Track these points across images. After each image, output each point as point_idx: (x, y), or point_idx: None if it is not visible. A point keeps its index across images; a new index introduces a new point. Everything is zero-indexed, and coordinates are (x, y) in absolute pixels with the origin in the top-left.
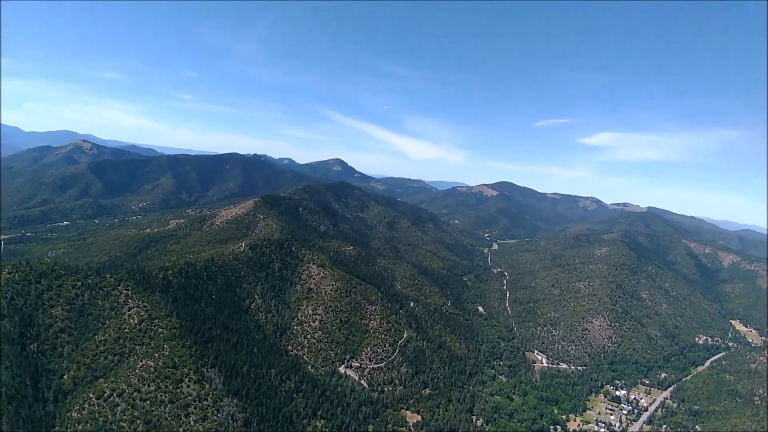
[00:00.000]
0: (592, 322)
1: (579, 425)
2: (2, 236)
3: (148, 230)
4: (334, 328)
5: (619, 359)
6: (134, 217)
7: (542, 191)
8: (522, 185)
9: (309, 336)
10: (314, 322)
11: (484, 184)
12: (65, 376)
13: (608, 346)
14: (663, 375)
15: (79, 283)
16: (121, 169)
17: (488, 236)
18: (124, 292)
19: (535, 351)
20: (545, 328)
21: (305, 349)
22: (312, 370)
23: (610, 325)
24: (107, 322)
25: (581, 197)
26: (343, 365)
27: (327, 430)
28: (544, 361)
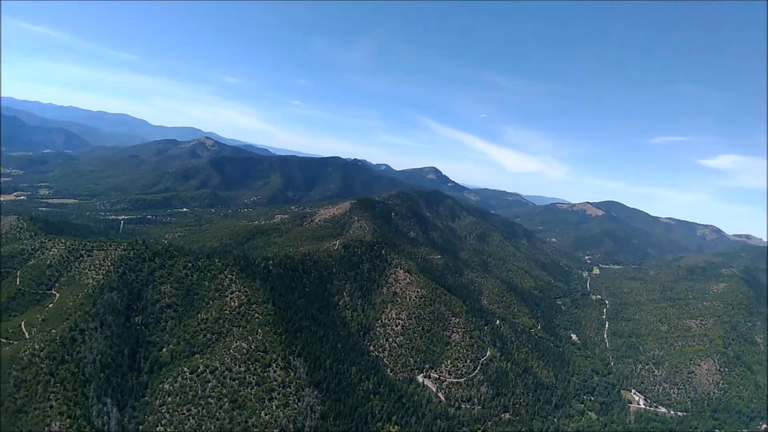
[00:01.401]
0: (699, 365)
1: None
2: (123, 216)
3: (256, 222)
4: (415, 335)
5: (723, 407)
6: (245, 210)
7: (654, 215)
8: (631, 206)
9: (391, 340)
10: (397, 326)
11: (588, 203)
12: (164, 349)
13: (714, 393)
14: (764, 426)
15: (190, 264)
16: (237, 165)
17: (589, 259)
18: (229, 276)
19: (632, 390)
20: (646, 367)
21: (386, 352)
22: (390, 374)
23: (719, 370)
24: (211, 302)
25: (699, 224)
26: (422, 374)
27: None
28: (642, 402)
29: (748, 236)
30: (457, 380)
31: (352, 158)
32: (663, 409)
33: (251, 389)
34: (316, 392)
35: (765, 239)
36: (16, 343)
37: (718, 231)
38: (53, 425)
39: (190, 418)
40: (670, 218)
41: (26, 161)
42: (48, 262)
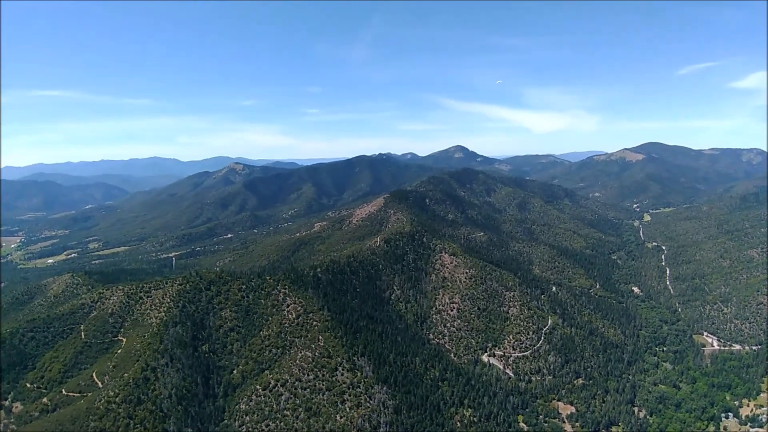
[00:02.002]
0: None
1: (752, 410)
2: (173, 253)
3: (297, 234)
4: (472, 316)
5: None
6: (285, 224)
7: (697, 148)
8: (672, 144)
9: (449, 325)
10: (452, 310)
11: (626, 149)
12: (234, 371)
13: None
14: None
15: (244, 286)
16: (269, 183)
17: (637, 207)
18: (282, 290)
19: (704, 333)
20: (715, 306)
21: (446, 337)
22: (455, 359)
23: None
24: (270, 318)
25: (744, 150)
26: (486, 354)
27: (475, 419)
28: (715, 343)
29: None
30: (522, 354)
31: (377, 153)
32: (737, 347)
33: (323, 395)
34: (385, 388)
35: None
36: (90, 394)
37: (763, 153)
38: None
39: None
40: (713, 149)
41: (69, 220)
42: (110, 311)
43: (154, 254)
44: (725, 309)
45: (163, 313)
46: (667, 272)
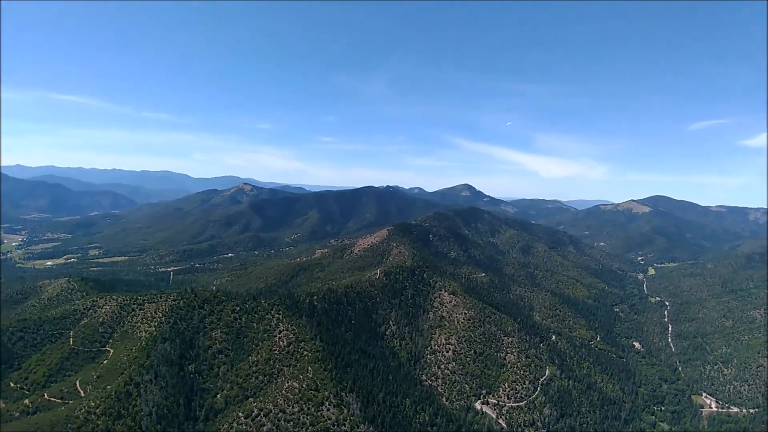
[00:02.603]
0: None
1: None
2: (172, 267)
3: (298, 259)
4: (468, 359)
5: None
6: (287, 248)
7: (704, 204)
8: (679, 199)
9: (443, 366)
10: (447, 352)
11: (633, 200)
12: (218, 395)
13: None
14: None
15: (238, 308)
16: (276, 206)
17: (642, 260)
18: (276, 315)
19: (704, 394)
20: (715, 367)
21: (439, 380)
22: (447, 403)
23: None
24: (260, 344)
25: (751, 209)
26: (479, 401)
27: None
28: (713, 405)
29: None
30: (517, 404)
31: (385, 185)
32: (735, 409)
33: (306, 430)
34: (371, 428)
35: None
36: (71, 402)
37: None
38: None
39: None
40: (720, 206)
41: (74, 225)
42: (101, 320)
43: (153, 267)
44: (725, 370)
45: (154, 328)
46: (670, 329)
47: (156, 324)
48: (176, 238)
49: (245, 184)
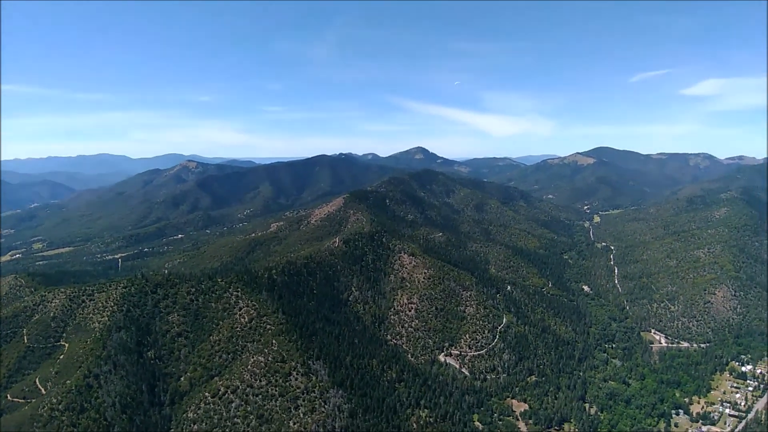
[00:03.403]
0: (714, 294)
1: (703, 407)
2: (119, 254)
3: (253, 235)
4: (430, 316)
5: (744, 332)
6: (240, 224)
7: (646, 153)
8: (622, 149)
9: (406, 325)
10: (410, 311)
11: (578, 153)
12: (182, 378)
13: (733, 319)
14: None
15: (193, 289)
16: (225, 182)
17: (588, 209)
18: (234, 293)
19: (652, 330)
20: (662, 305)
21: (404, 338)
22: (412, 359)
23: (735, 295)
24: (220, 323)
25: (691, 154)
26: (443, 353)
27: (431, 419)
28: (663, 340)
29: (741, 157)
30: (478, 352)
31: (338, 153)
32: (685, 344)
33: (276, 401)
34: (341, 392)
35: (758, 158)
36: (33, 400)
37: (710, 157)
38: None
39: None
40: (661, 153)
41: (15, 219)
42: (52, 315)
43: (99, 255)
44: (672, 307)
45: (107, 318)
46: (616, 271)
47: (108, 313)
48: (121, 223)
49: (190, 161)
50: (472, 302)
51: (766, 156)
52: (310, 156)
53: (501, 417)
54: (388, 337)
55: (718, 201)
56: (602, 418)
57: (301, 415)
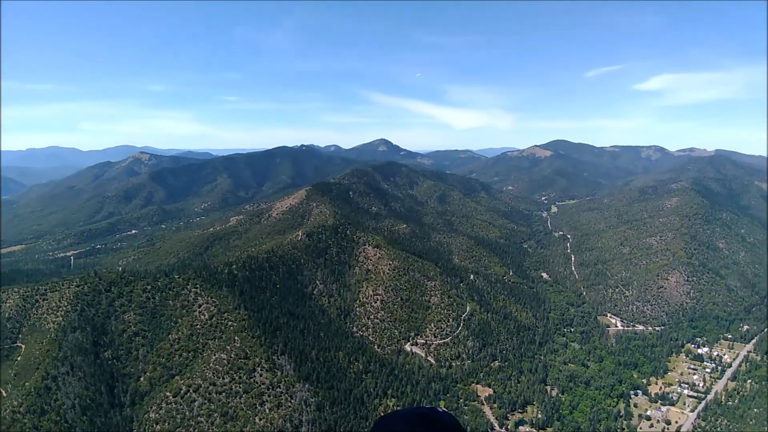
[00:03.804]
0: (667, 279)
1: (661, 388)
2: (71, 251)
3: (211, 229)
4: (395, 306)
5: (699, 315)
6: (197, 219)
7: (600, 145)
8: (577, 142)
9: (372, 317)
10: (376, 302)
11: (536, 146)
12: (141, 378)
13: (687, 303)
14: (745, 327)
15: (149, 287)
16: (180, 174)
17: (545, 199)
18: (193, 290)
19: (608, 314)
20: (617, 290)
21: (370, 329)
22: (378, 350)
23: (688, 280)
24: (179, 320)
25: (643, 147)
26: (409, 343)
27: (399, 408)
28: (619, 324)
29: (692, 149)
30: (443, 340)
31: (300, 145)
32: (640, 327)
33: (240, 398)
34: (307, 386)
35: (709, 149)
36: None
37: (661, 150)
38: None
39: None
40: (614, 146)
41: None
42: (7, 315)
43: (51, 253)
44: (627, 292)
45: (61, 318)
46: (573, 259)
47: (63, 313)
48: (72, 219)
49: (142, 153)
50: (437, 292)
51: (718, 148)
52: (270, 147)
53: (467, 402)
54: (354, 329)
55: (670, 191)
56: (563, 399)
57: (267, 410)
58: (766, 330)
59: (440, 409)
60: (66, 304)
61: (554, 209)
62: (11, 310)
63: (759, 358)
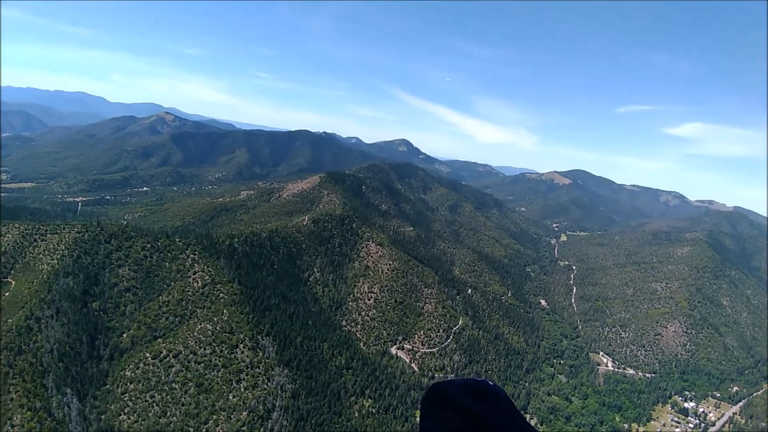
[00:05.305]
0: (666, 327)
1: None
2: (80, 198)
3: (220, 199)
4: (388, 307)
5: (691, 369)
6: (210, 187)
7: (620, 182)
8: (598, 174)
9: (363, 313)
10: (369, 299)
11: (556, 172)
12: (124, 335)
13: (681, 354)
14: (735, 388)
15: (149, 245)
16: (200, 141)
17: (557, 227)
18: (191, 256)
19: (601, 353)
20: (614, 329)
21: (359, 326)
22: (364, 348)
23: (686, 332)
24: (172, 284)
25: (663, 191)
26: (395, 346)
27: (374, 410)
28: (610, 364)
29: (711, 202)
30: (430, 350)
31: (321, 131)
32: (631, 371)
33: (218, 372)
34: (286, 371)
35: (728, 204)
36: None
37: (681, 197)
38: (14, 418)
39: (154, 404)
40: (634, 185)
41: None
42: (3, 249)
43: (60, 196)
44: (623, 333)
45: (56, 261)
46: (574, 291)
47: (59, 257)
48: (87, 166)
49: (167, 113)
50: (432, 300)
51: (737, 205)
52: (293, 129)
53: None
54: (344, 322)
55: (683, 240)
56: (541, 431)
57: (242, 389)
58: (755, 395)
59: (491, 382)
60: (64, 248)
61: (564, 238)
62: (8, 245)
63: (743, 421)
